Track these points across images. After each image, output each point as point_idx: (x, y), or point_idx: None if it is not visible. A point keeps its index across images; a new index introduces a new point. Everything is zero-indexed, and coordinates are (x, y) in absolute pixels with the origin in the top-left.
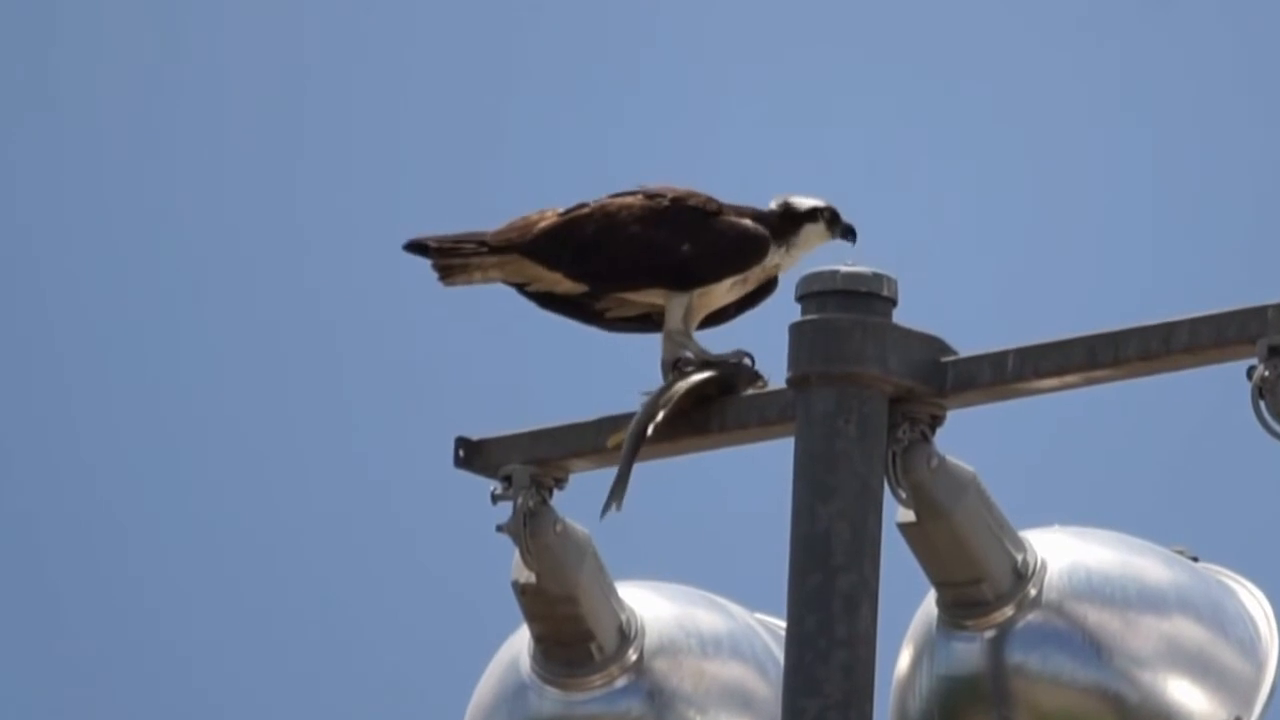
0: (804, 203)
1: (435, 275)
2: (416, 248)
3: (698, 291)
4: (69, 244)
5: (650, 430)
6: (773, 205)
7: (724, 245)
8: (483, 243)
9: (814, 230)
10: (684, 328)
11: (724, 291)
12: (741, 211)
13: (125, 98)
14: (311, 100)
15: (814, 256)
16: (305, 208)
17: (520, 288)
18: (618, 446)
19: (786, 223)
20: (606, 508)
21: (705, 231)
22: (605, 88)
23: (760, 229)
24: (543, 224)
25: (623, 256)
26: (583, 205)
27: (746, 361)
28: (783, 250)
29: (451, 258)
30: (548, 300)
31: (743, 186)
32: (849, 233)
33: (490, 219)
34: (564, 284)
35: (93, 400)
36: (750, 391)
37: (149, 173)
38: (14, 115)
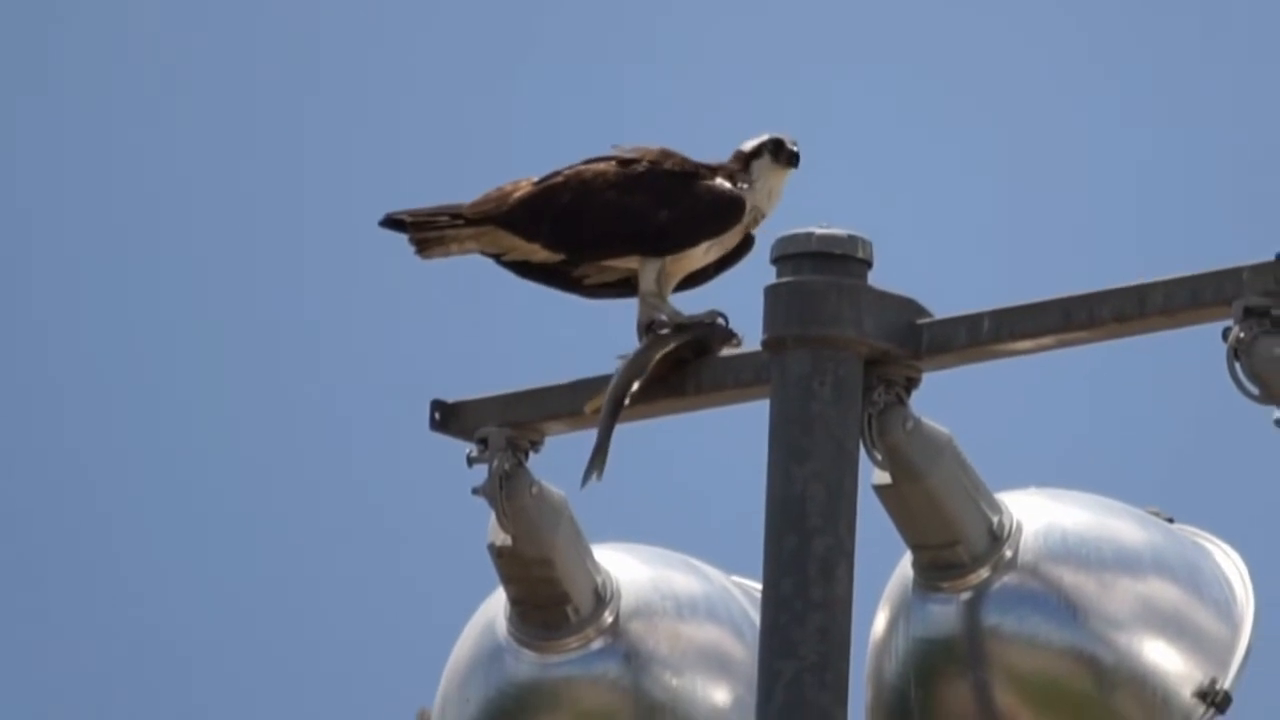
0: (748, 143)
1: (412, 249)
2: (393, 223)
3: (672, 255)
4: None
5: (628, 397)
6: (728, 159)
7: (701, 210)
8: (458, 215)
9: (761, 165)
10: (657, 289)
11: (701, 254)
12: (712, 169)
13: (126, 70)
14: (322, 73)
15: (783, 203)
16: (289, 181)
17: (497, 258)
18: (596, 412)
19: (740, 166)
20: (587, 477)
21: (682, 196)
22: (617, 55)
23: (735, 192)
24: (518, 194)
25: (600, 225)
26: (557, 174)
27: (720, 321)
28: (749, 194)
29: (427, 231)
30: (525, 269)
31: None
32: (793, 159)
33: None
34: (541, 253)
35: (72, 364)
36: (726, 352)
37: (149, 147)
38: (10, 100)
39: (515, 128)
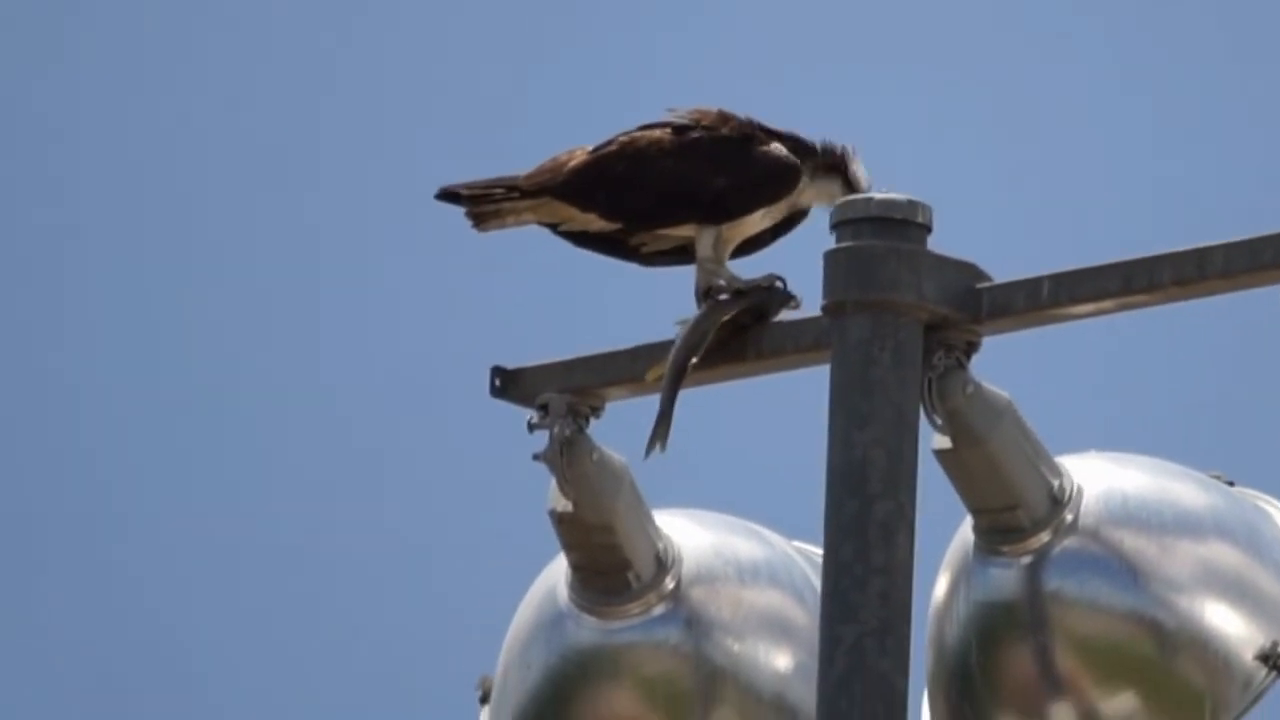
0: (855, 168)
1: (469, 223)
2: (449, 196)
3: (729, 223)
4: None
5: (689, 367)
6: (819, 144)
7: (757, 176)
8: (514, 187)
9: (831, 186)
10: (714, 255)
11: (756, 220)
12: (769, 134)
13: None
14: (342, 43)
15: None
16: (335, 149)
17: (554, 228)
18: (657, 380)
19: (823, 163)
20: (650, 447)
21: (737, 163)
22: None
23: (791, 159)
24: (572, 164)
25: (655, 194)
26: (611, 141)
27: (778, 285)
28: (805, 183)
29: (484, 204)
30: (581, 239)
31: (777, 116)
32: (853, 186)
33: (525, 159)
34: (597, 223)
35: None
36: (784, 315)
37: (166, 101)
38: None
39: (560, 94)
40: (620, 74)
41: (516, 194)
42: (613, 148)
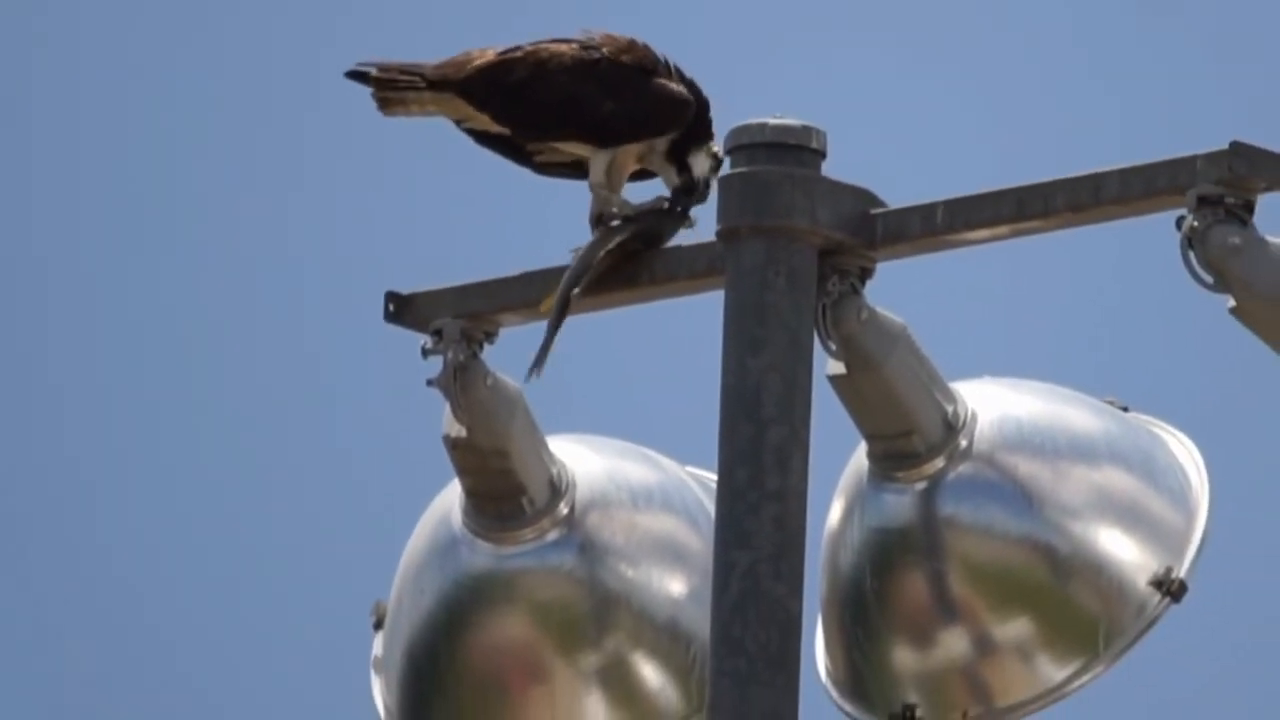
0: (699, 163)
1: (375, 105)
2: (358, 76)
3: (622, 148)
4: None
5: (573, 296)
6: (708, 101)
7: (646, 107)
8: (421, 75)
9: (701, 159)
10: (605, 181)
11: (646, 150)
12: (686, 82)
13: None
14: (326, 44)
15: (738, 96)
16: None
17: (457, 123)
18: (549, 311)
19: (700, 128)
20: (530, 374)
21: (631, 91)
22: None
23: (683, 95)
24: (476, 62)
25: (545, 106)
26: (518, 47)
27: (666, 205)
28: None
29: (389, 90)
30: (483, 138)
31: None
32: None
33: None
34: (493, 126)
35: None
36: (680, 236)
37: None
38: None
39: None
40: None
41: (422, 83)
42: (517, 54)
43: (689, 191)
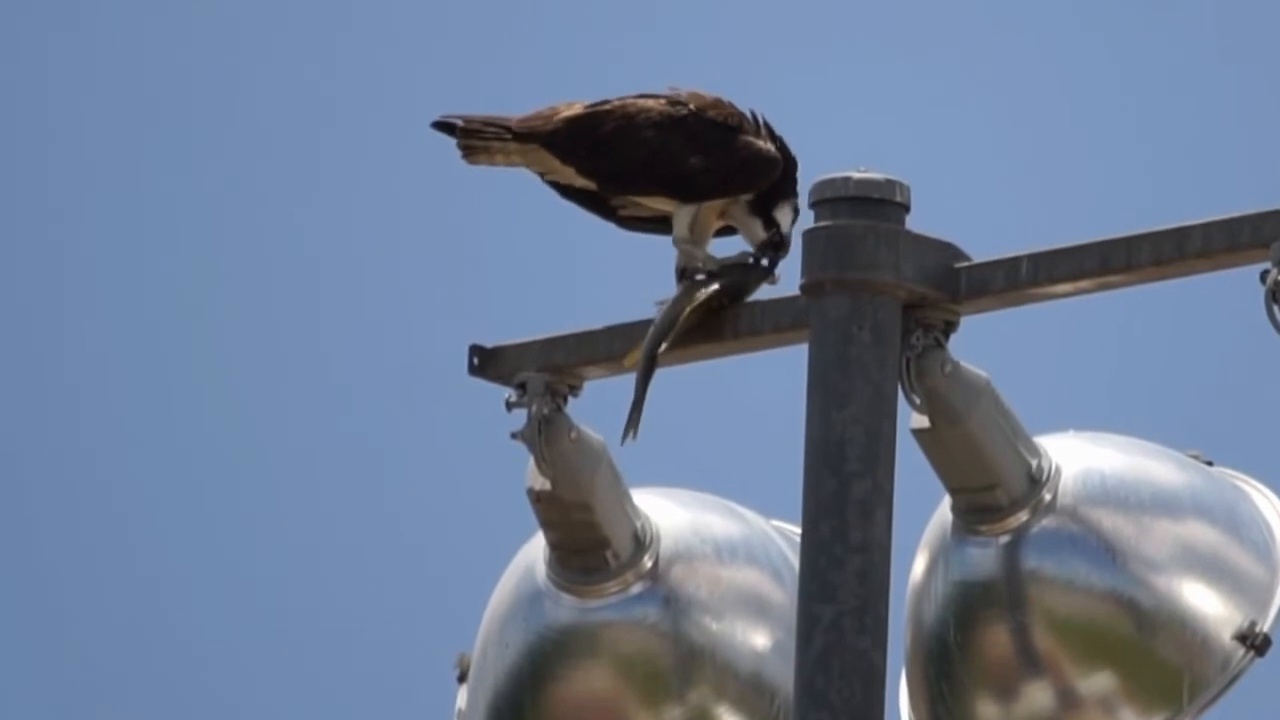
0: (785, 217)
1: (459, 154)
2: (444, 126)
3: (707, 204)
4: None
5: (659, 353)
6: (795, 160)
7: (733, 164)
8: (507, 128)
9: (787, 214)
10: (689, 235)
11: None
12: (774, 138)
13: None
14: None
15: (821, 149)
16: (327, 151)
17: (541, 175)
18: (635, 365)
19: (786, 183)
20: (625, 435)
21: (717, 147)
22: None
23: (771, 153)
24: (563, 115)
25: (632, 160)
26: (606, 101)
27: (751, 261)
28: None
29: (475, 139)
30: (566, 191)
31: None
32: (763, 262)
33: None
34: (576, 179)
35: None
36: (764, 291)
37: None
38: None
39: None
40: (589, 69)
41: (508, 135)
42: (605, 107)
43: (776, 247)
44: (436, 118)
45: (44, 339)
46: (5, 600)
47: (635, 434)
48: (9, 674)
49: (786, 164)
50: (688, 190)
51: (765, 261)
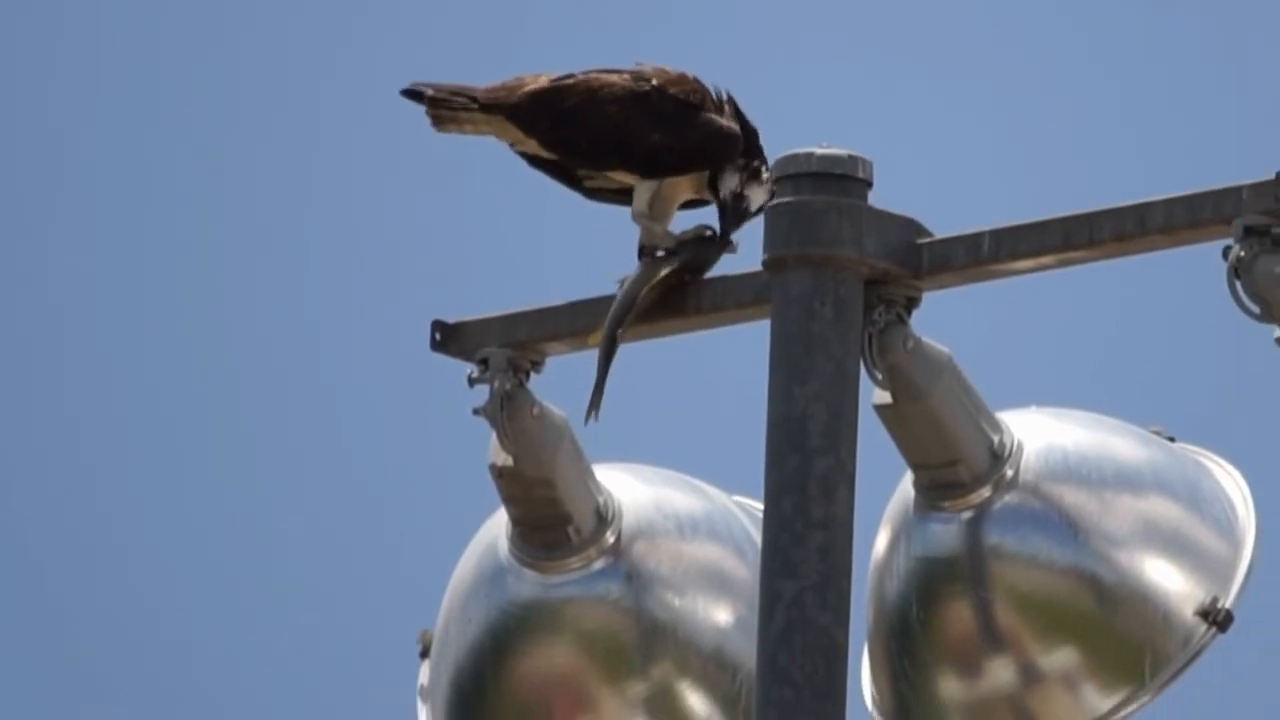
0: (729, 183)
1: (429, 122)
2: (413, 94)
3: (668, 180)
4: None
5: (620, 334)
6: (756, 131)
7: (694, 140)
8: (473, 98)
9: (729, 179)
10: (648, 211)
11: (692, 184)
12: (740, 118)
13: None
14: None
15: (783, 125)
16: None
17: (510, 145)
18: (598, 342)
19: (752, 157)
20: (588, 416)
21: (679, 123)
22: None
23: (732, 130)
24: (528, 88)
25: (593, 134)
26: (571, 75)
27: (708, 234)
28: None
29: (443, 108)
30: (535, 161)
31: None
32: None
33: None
34: (542, 151)
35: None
36: (726, 266)
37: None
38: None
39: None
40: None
41: (475, 105)
42: (569, 81)
43: (721, 213)
44: (405, 86)
45: (35, 337)
46: None
47: (597, 415)
48: None
49: (747, 136)
50: (649, 166)
51: (712, 232)
